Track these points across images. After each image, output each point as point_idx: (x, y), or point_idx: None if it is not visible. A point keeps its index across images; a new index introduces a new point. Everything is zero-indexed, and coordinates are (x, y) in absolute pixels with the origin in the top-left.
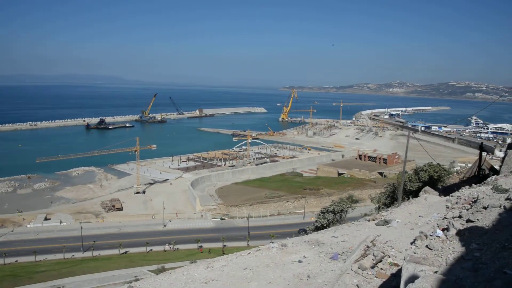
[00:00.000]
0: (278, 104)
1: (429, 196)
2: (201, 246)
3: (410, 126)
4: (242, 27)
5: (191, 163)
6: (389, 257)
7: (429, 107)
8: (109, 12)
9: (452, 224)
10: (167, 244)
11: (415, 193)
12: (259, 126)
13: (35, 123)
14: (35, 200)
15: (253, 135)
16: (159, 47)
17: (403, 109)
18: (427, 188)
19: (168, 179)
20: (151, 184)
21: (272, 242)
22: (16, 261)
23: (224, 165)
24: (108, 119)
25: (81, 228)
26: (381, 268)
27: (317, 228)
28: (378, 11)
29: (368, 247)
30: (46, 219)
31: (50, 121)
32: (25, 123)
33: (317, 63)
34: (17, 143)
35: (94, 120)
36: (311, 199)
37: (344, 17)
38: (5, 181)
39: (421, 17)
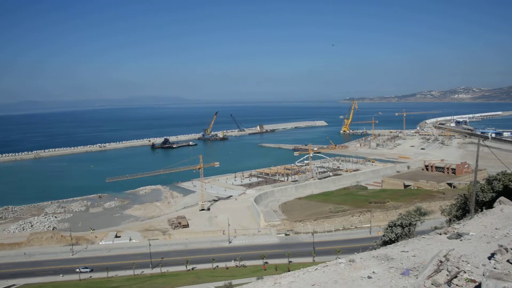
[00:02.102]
0: (341, 116)
1: (505, 207)
2: (266, 262)
3: (479, 133)
4: (301, 39)
5: (254, 179)
6: (465, 272)
7: (499, 112)
8: (165, 33)
9: None
10: (233, 261)
11: (489, 204)
12: (320, 139)
13: (104, 144)
14: (106, 218)
15: (314, 149)
16: (217, 66)
17: (470, 115)
18: (502, 198)
19: (231, 196)
20: (215, 201)
21: (339, 258)
22: (90, 277)
23: (287, 180)
24: (172, 139)
25: (149, 245)
26: (457, 285)
27: (385, 243)
28: (433, 20)
29: (441, 262)
30: (116, 236)
31: (117, 142)
32: (95, 145)
33: (377, 73)
34: (89, 164)
35: (158, 140)
36: (377, 213)
37: (401, 25)
38: (79, 200)
39: (484, 16)
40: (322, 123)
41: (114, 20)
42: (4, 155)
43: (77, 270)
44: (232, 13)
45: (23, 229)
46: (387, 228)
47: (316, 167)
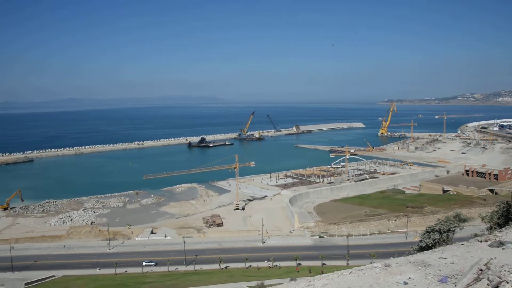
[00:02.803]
0: (380, 118)
1: None
2: (299, 264)
3: None
4: (339, 40)
5: (289, 180)
6: (507, 283)
7: None
8: (202, 35)
9: None
10: (266, 261)
11: None
12: (357, 141)
13: (142, 142)
14: (142, 214)
15: (351, 151)
16: (253, 65)
17: None
18: None
19: (266, 196)
20: (250, 200)
21: (373, 262)
22: (126, 271)
23: (322, 181)
24: (208, 138)
25: (184, 242)
26: None
27: (421, 249)
28: (476, 15)
29: (481, 270)
30: (152, 233)
31: (155, 141)
32: (133, 143)
33: (417, 74)
34: (128, 161)
35: (195, 139)
36: (414, 218)
37: (443, 26)
38: (116, 196)
39: None
40: (359, 124)
41: (161, 22)
42: (47, 150)
43: (143, 263)
44: (270, 10)
45: (63, 223)
46: (424, 234)
47: (353, 169)
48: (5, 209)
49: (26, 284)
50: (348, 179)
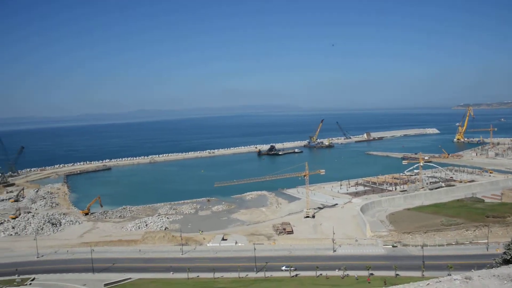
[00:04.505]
0: (457, 124)
1: None
2: (371, 274)
3: None
4: (412, 43)
5: (360, 188)
6: None
7: None
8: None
9: None
10: (337, 270)
11: None
12: (432, 148)
13: (213, 151)
14: (214, 221)
15: (425, 158)
16: (328, 74)
17: None
18: None
19: (337, 204)
20: (320, 208)
21: (450, 274)
22: (198, 276)
23: (395, 189)
24: (277, 146)
25: (254, 249)
26: None
27: (506, 261)
28: None
29: None
30: (223, 239)
31: (225, 149)
32: (204, 151)
33: (496, 77)
34: (199, 169)
35: (265, 147)
36: (496, 228)
37: None
38: (189, 203)
39: None
40: (433, 130)
41: (214, 31)
42: (123, 159)
43: (282, 268)
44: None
45: (139, 228)
46: (508, 245)
47: (427, 176)
48: (86, 214)
49: (105, 285)
50: (423, 187)
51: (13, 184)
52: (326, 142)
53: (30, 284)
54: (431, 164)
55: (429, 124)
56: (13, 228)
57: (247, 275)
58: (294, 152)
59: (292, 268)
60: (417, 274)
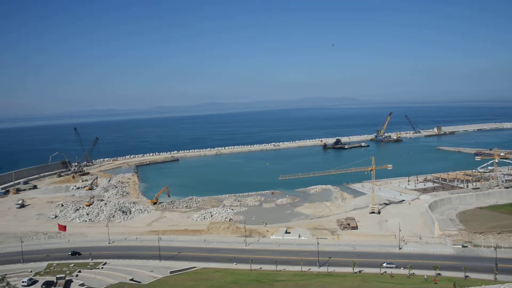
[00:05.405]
0: None
1: None
2: (439, 274)
3: None
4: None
5: (429, 184)
6: None
7: None
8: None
9: None
10: (402, 268)
11: None
12: (509, 144)
13: (278, 143)
14: (277, 214)
15: (501, 154)
16: (390, 64)
17: None
18: None
19: (404, 200)
20: (386, 204)
21: None
22: (260, 268)
23: (466, 187)
24: (343, 139)
25: (318, 243)
26: None
27: None
28: None
29: None
30: (286, 232)
31: (290, 142)
32: (269, 144)
33: None
34: (264, 162)
35: (330, 140)
36: None
37: None
38: (253, 195)
39: None
40: (511, 125)
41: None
42: (191, 150)
43: (383, 264)
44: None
45: (204, 218)
46: None
47: (503, 174)
48: (155, 203)
49: (171, 272)
50: (497, 185)
51: (88, 173)
52: (394, 136)
53: (102, 268)
54: (508, 161)
55: (507, 118)
56: (87, 214)
57: (309, 269)
58: (361, 146)
59: (393, 266)
60: (489, 277)
